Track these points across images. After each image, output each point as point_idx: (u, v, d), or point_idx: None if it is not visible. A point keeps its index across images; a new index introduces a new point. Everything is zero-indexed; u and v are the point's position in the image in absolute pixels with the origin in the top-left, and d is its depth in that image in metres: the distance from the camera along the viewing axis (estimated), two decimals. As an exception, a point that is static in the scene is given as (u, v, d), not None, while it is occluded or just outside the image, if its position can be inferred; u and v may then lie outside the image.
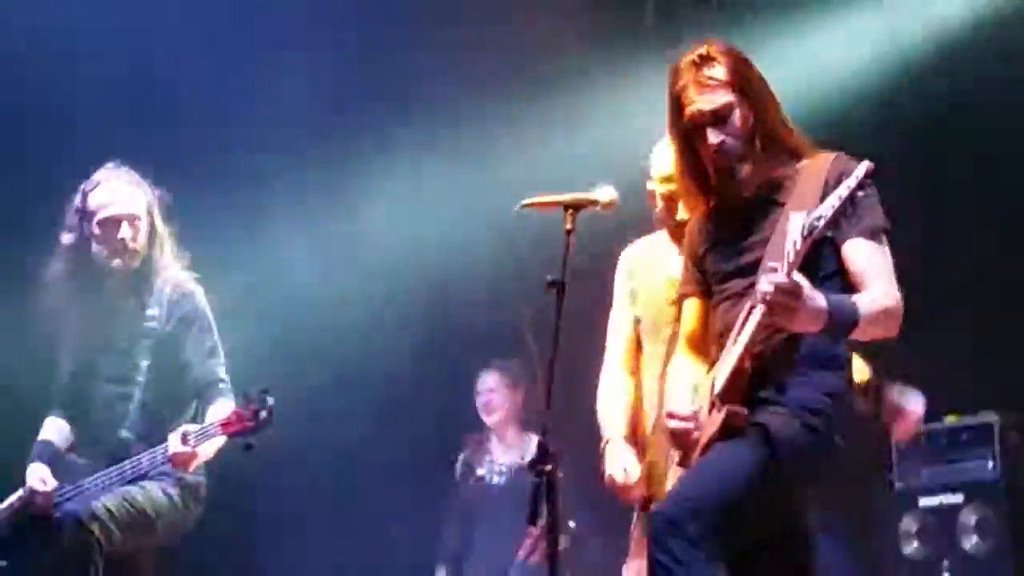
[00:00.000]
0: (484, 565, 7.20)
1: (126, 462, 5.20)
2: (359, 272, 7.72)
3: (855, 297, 3.85)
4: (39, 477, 5.33)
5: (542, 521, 6.75)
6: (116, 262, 5.39)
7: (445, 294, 7.99)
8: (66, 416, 5.56)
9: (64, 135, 6.97)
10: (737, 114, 4.02)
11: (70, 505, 5.15)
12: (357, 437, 7.59)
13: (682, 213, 4.36)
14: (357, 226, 7.77)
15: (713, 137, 4.03)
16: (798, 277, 3.71)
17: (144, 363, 5.34)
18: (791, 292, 3.68)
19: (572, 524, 7.01)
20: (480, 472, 7.35)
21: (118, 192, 5.41)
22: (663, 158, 4.64)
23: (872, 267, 3.92)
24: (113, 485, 5.20)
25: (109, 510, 5.11)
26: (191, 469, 5.22)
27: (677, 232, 4.51)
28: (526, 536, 7.01)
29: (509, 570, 7.06)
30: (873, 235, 3.94)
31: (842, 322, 3.78)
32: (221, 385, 5.35)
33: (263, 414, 5.09)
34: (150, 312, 5.37)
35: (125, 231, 5.36)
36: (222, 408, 5.24)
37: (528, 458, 7.02)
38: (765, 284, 3.71)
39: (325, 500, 7.74)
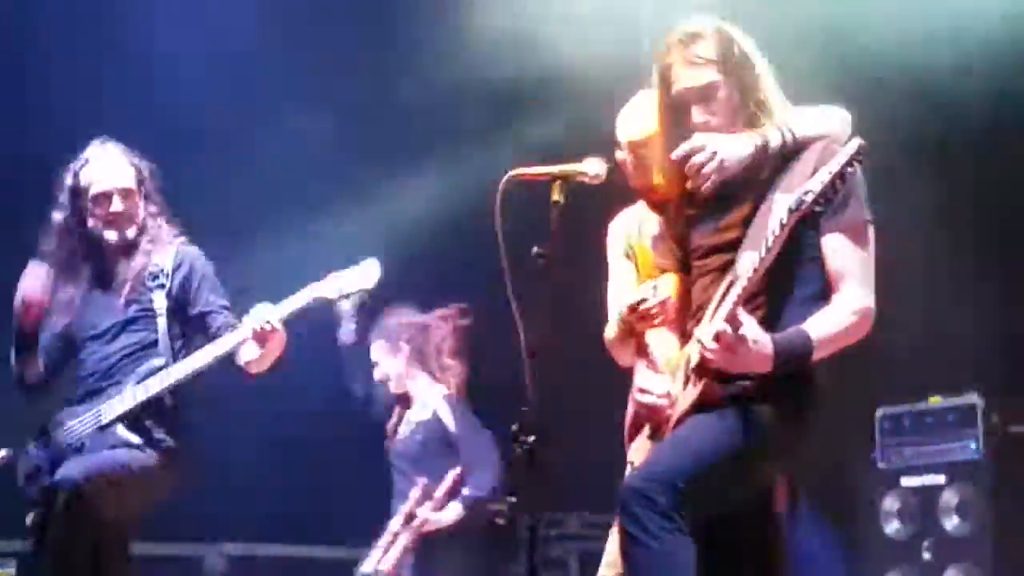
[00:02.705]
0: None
1: (174, 367, 5.27)
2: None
3: (810, 323, 3.85)
4: None
5: (403, 522, 6.77)
6: (111, 234, 5.49)
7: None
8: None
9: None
10: (722, 94, 4.02)
11: (65, 471, 5.13)
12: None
13: (656, 176, 4.32)
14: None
15: (697, 116, 4.03)
16: (746, 323, 3.74)
17: (160, 304, 5.41)
18: (730, 347, 3.74)
19: (467, 491, 6.98)
20: (399, 432, 7.24)
21: (108, 167, 5.51)
22: (628, 124, 4.60)
23: (846, 267, 3.91)
24: (156, 395, 5.26)
25: (108, 475, 5.13)
26: (267, 352, 5.26)
27: (651, 197, 4.48)
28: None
29: None
30: (853, 229, 3.93)
31: (792, 360, 3.81)
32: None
33: (372, 275, 5.20)
34: (153, 271, 5.45)
35: (117, 204, 5.48)
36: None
37: (430, 413, 7.09)
38: (706, 339, 3.77)
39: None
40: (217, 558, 8.07)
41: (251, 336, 5.22)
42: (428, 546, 6.98)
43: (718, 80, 4.01)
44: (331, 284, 5.27)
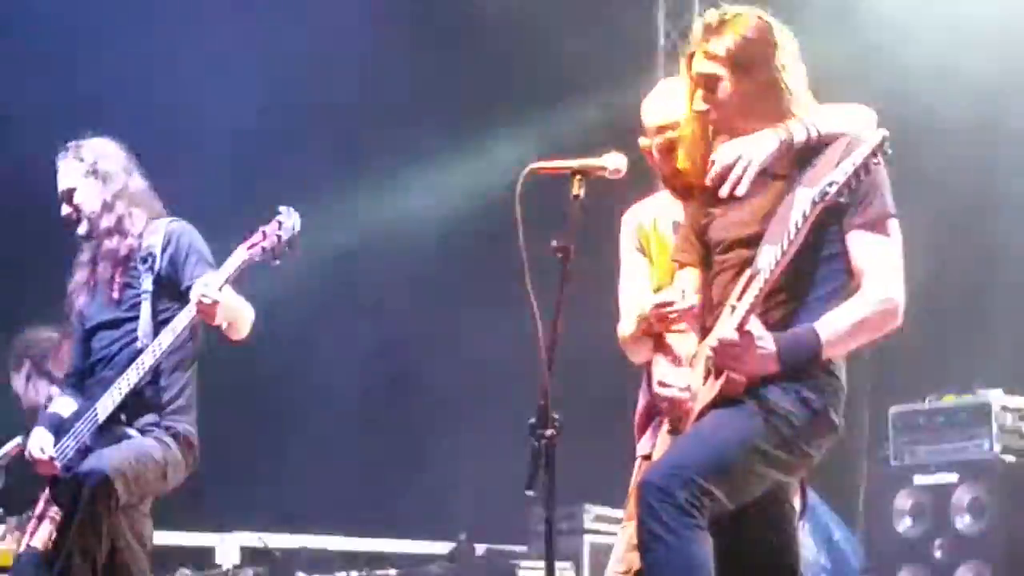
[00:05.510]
0: None
1: (146, 351, 5.21)
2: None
3: (822, 320, 3.86)
4: (39, 445, 5.35)
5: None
6: (75, 232, 5.51)
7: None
8: (76, 392, 5.57)
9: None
10: (726, 88, 4.01)
11: (91, 462, 5.12)
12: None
13: (681, 161, 4.27)
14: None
15: (699, 104, 4.05)
16: (752, 325, 3.78)
17: (147, 288, 5.35)
18: (737, 346, 3.79)
19: None
20: None
21: (59, 174, 5.54)
22: (653, 110, 4.58)
23: (870, 262, 3.90)
24: (137, 382, 5.20)
25: (131, 464, 5.11)
26: (217, 321, 5.16)
27: (676, 183, 4.46)
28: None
29: None
30: (878, 224, 3.92)
31: (797, 359, 3.83)
32: None
33: (290, 224, 5.09)
34: (143, 255, 5.39)
35: (64, 209, 5.51)
36: None
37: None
38: (713, 342, 3.81)
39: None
40: (230, 548, 8.09)
41: (196, 310, 5.12)
42: None
43: (722, 75, 4.00)
44: (254, 244, 5.14)
